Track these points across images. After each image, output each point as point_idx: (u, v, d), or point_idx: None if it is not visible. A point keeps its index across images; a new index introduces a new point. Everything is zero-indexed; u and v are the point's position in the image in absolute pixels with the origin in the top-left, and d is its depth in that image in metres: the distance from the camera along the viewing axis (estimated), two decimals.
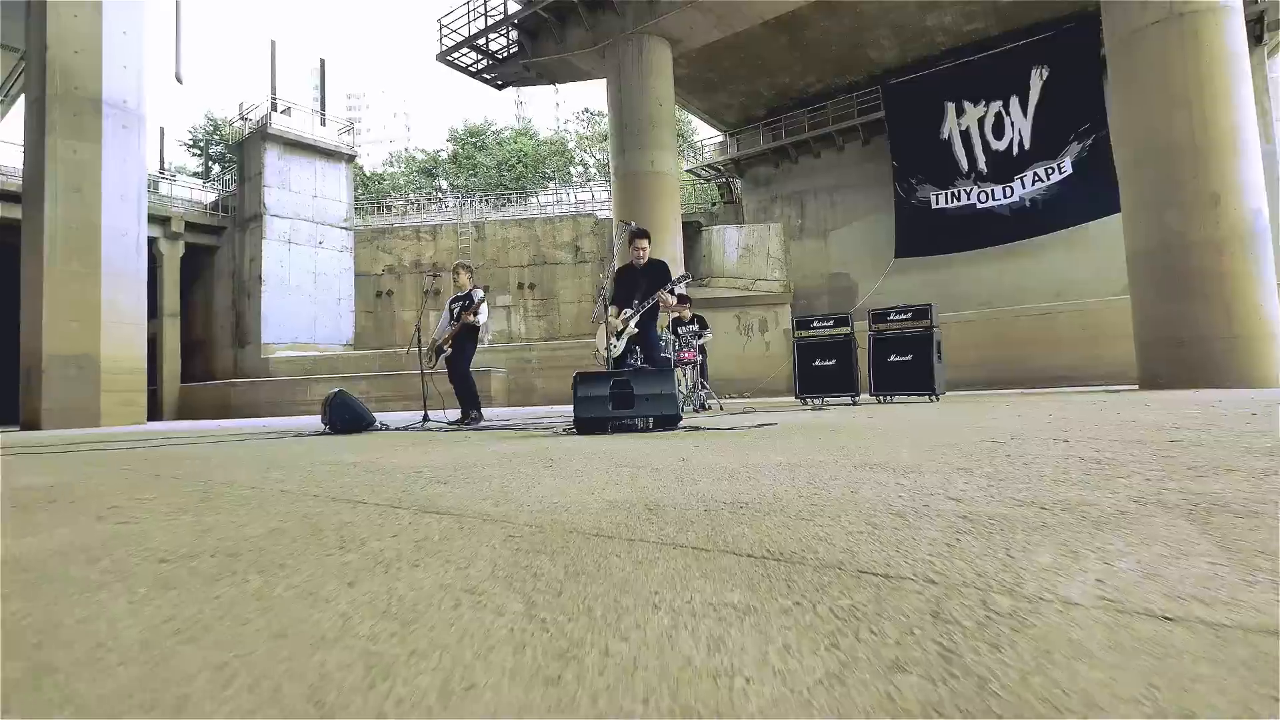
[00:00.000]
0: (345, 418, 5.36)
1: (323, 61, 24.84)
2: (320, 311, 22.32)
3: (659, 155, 13.09)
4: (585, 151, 33.16)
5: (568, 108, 45.57)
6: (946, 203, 19.54)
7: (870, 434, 3.27)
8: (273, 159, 21.71)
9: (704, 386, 7.73)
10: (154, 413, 20.70)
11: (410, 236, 24.55)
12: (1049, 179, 17.98)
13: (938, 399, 7.08)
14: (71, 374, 13.73)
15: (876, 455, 2.32)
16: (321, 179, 23.15)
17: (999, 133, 18.70)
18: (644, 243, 5.23)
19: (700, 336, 7.96)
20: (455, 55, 16.16)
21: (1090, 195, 17.31)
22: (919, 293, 20.42)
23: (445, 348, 6.65)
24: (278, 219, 21.57)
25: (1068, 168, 17.74)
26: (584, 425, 3.93)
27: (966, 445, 2.54)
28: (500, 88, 17.16)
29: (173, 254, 21.79)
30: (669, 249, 13.09)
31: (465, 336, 6.54)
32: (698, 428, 4.06)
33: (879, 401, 7.47)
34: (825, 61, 20.24)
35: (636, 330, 5.12)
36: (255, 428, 8.34)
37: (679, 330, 8.10)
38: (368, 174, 34.55)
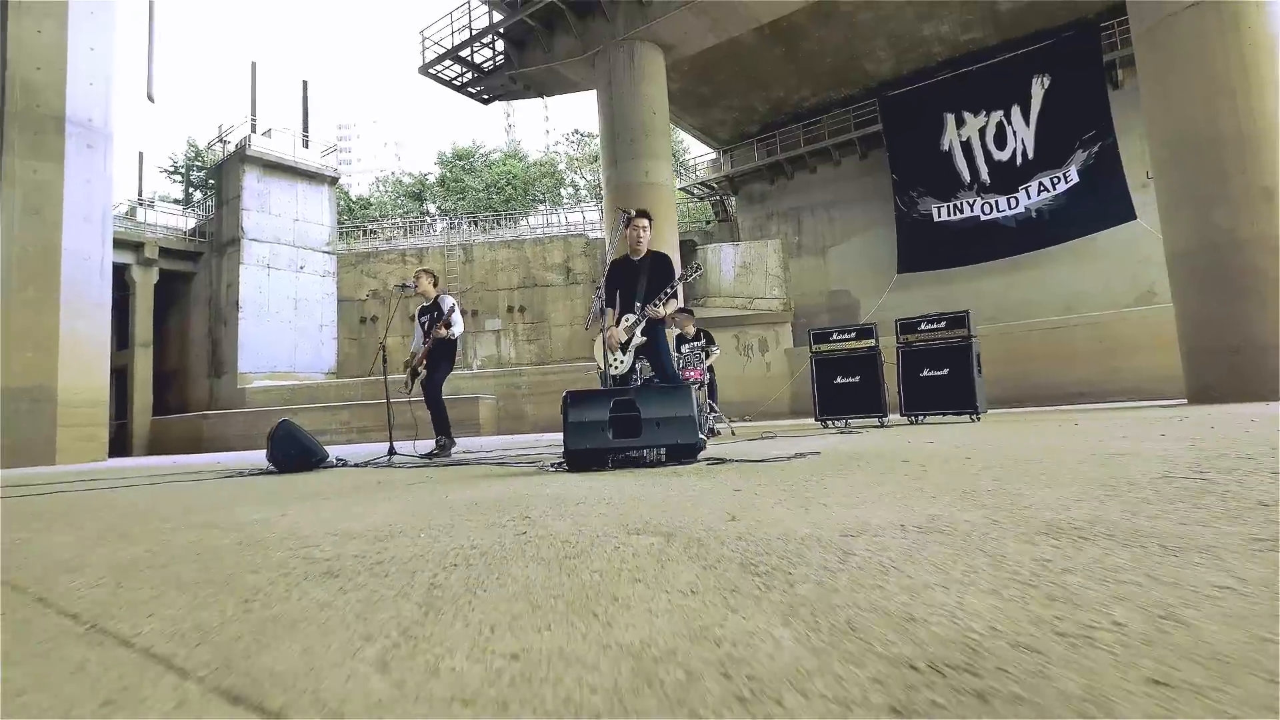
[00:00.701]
0: (291, 453, 4.47)
1: (305, 83, 24.26)
2: (301, 339, 21.39)
3: (654, 165, 12.38)
4: (576, 173, 32.64)
5: (558, 131, 45.29)
6: (949, 215, 18.94)
7: (962, 466, 2.41)
8: (251, 181, 20.96)
9: (713, 409, 6.87)
10: (123, 448, 19.62)
11: (396, 260, 23.75)
12: (1055, 188, 17.41)
13: (978, 418, 6.25)
14: (24, 408, 12.76)
15: (1036, 507, 1.47)
16: (303, 202, 22.41)
17: (1001, 142, 18.17)
18: (645, 223, 4.21)
19: (708, 354, 7.13)
20: (438, 68, 15.51)
21: (1099, 205, 16.74)
22: (923, 308, 19.64)
23: (420, 369, 5.80)
24: (256, 243, 20.75)
25: (1074, 176, 17.19)
26: (577, 459, 3.06)
27: (1152, 484, 1.68)
28: (486, 102, 16.51)
29: (146, 281, 20.88)
30: None
31: (440, 354, 5.68)
32: (721, 459, 3.19)
33: (911, 422, 6.63)
34: (820, 74, 19.78)
35: (644, 339, 4.23)
36: (206, 464, 7.41)
37: (682, 348, 7.27)
38: (353, 199, 33.90)
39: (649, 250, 4.28)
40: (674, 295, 4.14)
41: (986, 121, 18.31)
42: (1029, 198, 17.72)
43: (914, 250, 19.27)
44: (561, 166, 32.65)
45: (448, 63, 15.36)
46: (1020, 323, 16.72)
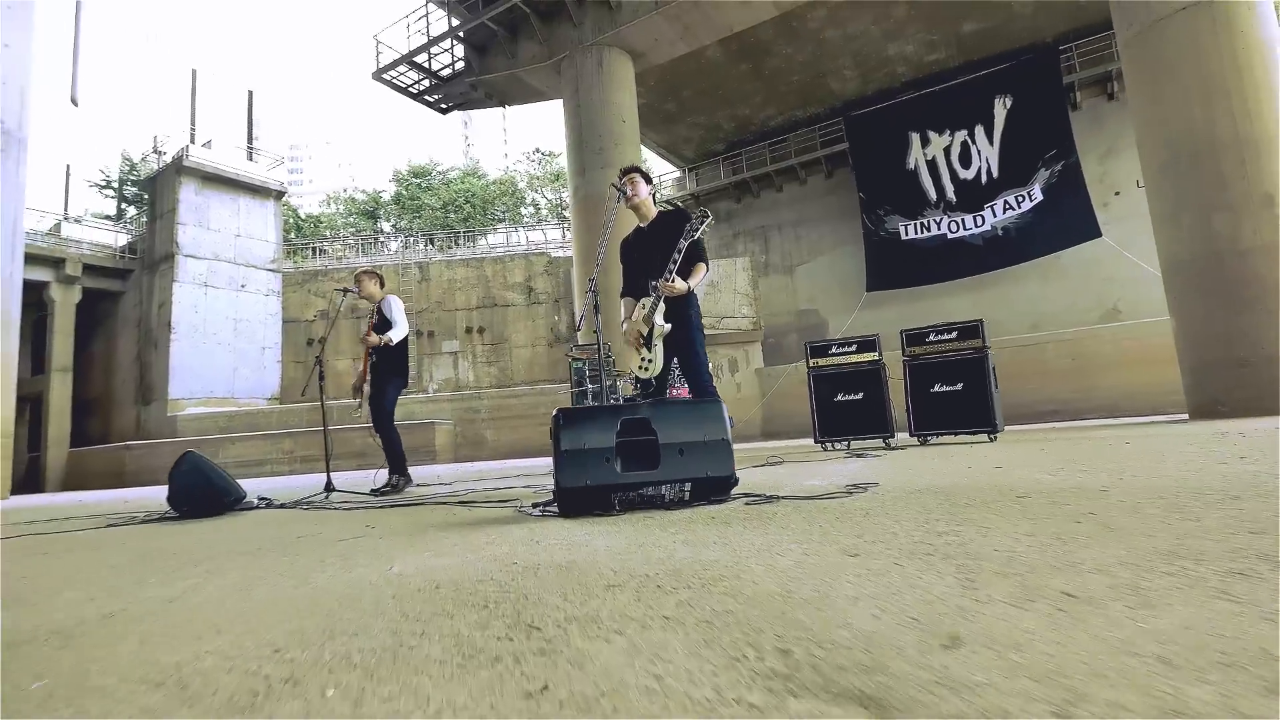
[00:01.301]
0: (194, 492, 3.54)
1: (251, 93, 23.05)
2: (241, 362, 19.93)
3: None
4: (536, 191, 31.95)
5: (516, 150, 44.65)
6: (917, 233, 18.86)
7: (1134, 507, 1.73)
8: (189, 194, 19.59)
9: None
10: (35, 483, 17.78)
11: (347, 279, 22.52)
12: (1020, 206, 17.49)
13: (995, 438, 5.69)
14: None
15: None
16: (246, 217, 21.09)
17: (966, 161, 18.24)
18: (637, 177, 3.39)
19: None
20: (393, 74, 14.66)
21: (1063, 223, 16.85)
22: (893, 327, 19.42)
23: (364, 385, 4.92)
24: (193, 259, 19.32)
25: (1038, 194, 17.30)
26: (572, 500, 2.27)
27: None
28: (445, 111, 15.70)
29: (66, 300, 19.18)
30: None
31: (386, 368, 4.81)
32: (764, 496, 2.45)
33: (921, 443, 6.02)
34: (786, 92, 19.66)
35: (668, 327, 3.24)
36: (109, 503, 6.29)
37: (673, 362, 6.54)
38: (303, 216, 32.46)
39: (659, 211, 3.53)
40: (699, 259, 3.24)
41: (951, 140, 18.37)
42: (995, 215, 17.75)
43: (882, 268, 19.11)
44: (522, 185, 31.93)
45: (404, 68, 14.53)
46: (991, 340, 16.50)
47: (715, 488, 2.33)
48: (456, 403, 18.47)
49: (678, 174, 25.09)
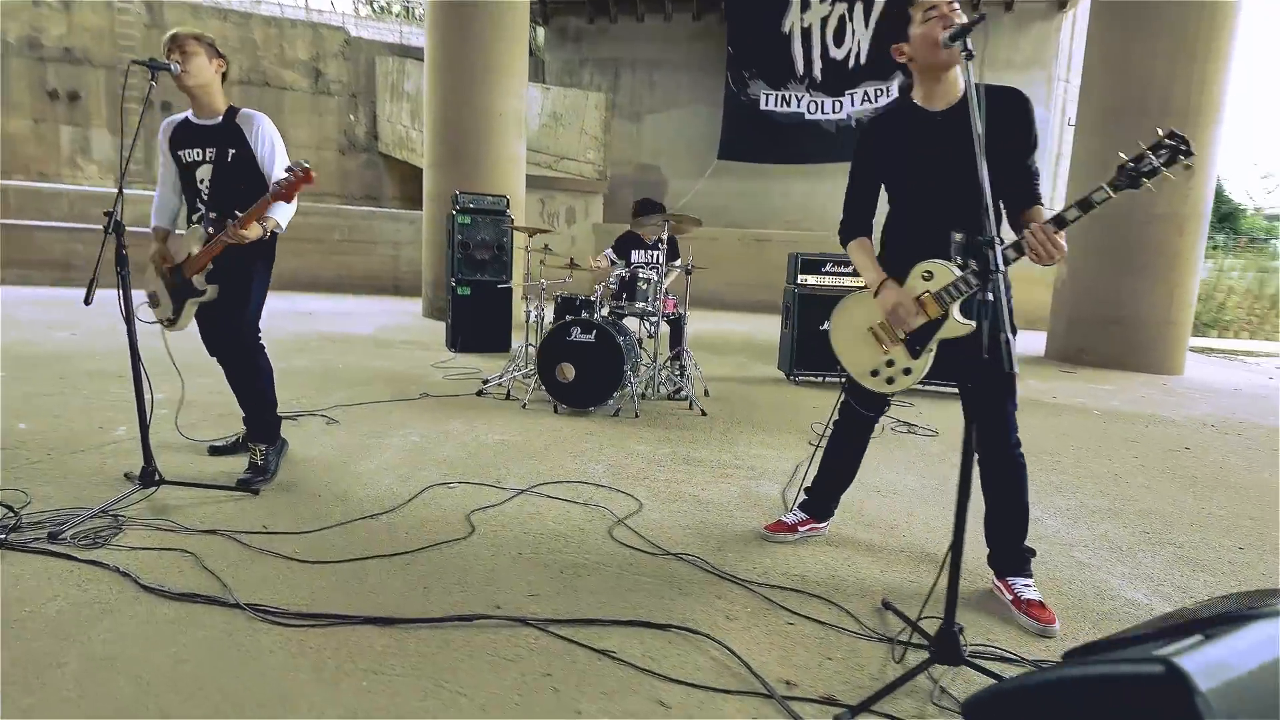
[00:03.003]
0: None
1: None
2: None
3: None
4: None
5: None
6: (776, 105, 18.06)
7: None
8: None
9: (681, 357, 4.81)
10: None
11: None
12: (876, 100, 17.45)
13: None
14: None
15: None
16: None
17: (840, 39, 17.44)
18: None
19: (669, 270, 4.94)
20: None
21: None
22: (733, 202, 19.03)
23: (200, 283, 2.74)
24: None
25: (895, 92, 17.35)
26: None
27: None
28: None
29: None
30: (516, 105, 9.10)
31: (246, 253, 2.72)
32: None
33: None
34: None
35: (972, 326, 1.88)
36: None
37: (632, 257, 5.01)
38: None
39: (967, 88, 1.68)
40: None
41: (830, 12, 17.27)
42: (853, 104, 17.54)
43: (737, 137, 18.13)
44: None
45: None
46: (812, 233, 16.72)
47: None
48: None
49: None
